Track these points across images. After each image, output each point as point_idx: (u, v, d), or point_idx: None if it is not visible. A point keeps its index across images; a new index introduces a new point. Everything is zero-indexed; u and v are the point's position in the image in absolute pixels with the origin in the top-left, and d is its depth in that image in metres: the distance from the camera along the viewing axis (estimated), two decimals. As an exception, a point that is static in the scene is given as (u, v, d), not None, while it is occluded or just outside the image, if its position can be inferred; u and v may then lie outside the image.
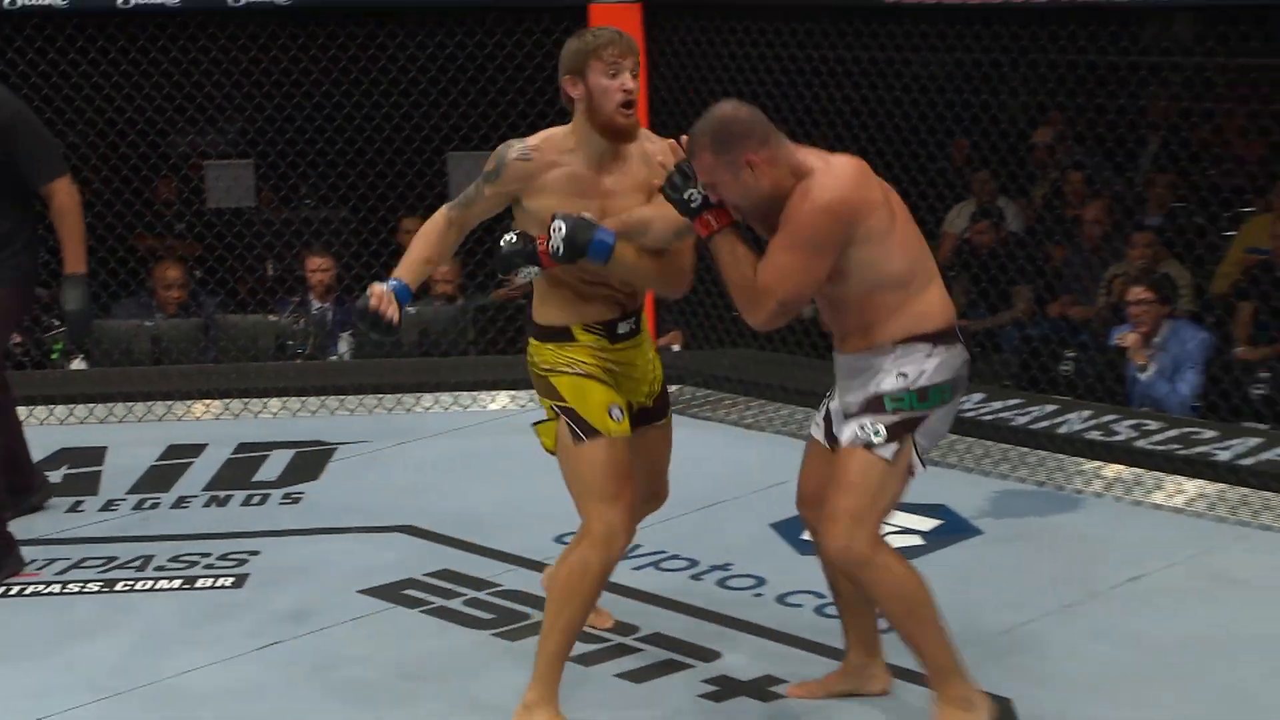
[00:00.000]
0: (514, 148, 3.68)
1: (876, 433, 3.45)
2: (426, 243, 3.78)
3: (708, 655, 4.12)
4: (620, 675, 4.02)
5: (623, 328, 3.74)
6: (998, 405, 5.98)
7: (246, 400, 6.58)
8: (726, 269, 3.44)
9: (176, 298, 7.69)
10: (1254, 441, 5.38)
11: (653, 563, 4.79)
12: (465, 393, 6.52)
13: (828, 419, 3.66)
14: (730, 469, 5.61)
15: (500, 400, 6.52)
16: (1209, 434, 5.49)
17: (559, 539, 4.90)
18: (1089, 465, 5.44)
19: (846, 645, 3.85)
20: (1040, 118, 8.39)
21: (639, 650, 4.17)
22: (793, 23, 6.11)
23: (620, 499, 3.67)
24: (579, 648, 4.15)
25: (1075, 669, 4.00)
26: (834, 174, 3.39)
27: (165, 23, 7.33)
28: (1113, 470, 5.37)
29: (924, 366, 3.46)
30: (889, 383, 3.45)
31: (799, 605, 4.44)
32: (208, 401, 6.60)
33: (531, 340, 3.80)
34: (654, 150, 3.69)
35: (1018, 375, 6.82)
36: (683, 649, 4.17)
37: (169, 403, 6.56)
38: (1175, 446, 5.39)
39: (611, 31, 3.65)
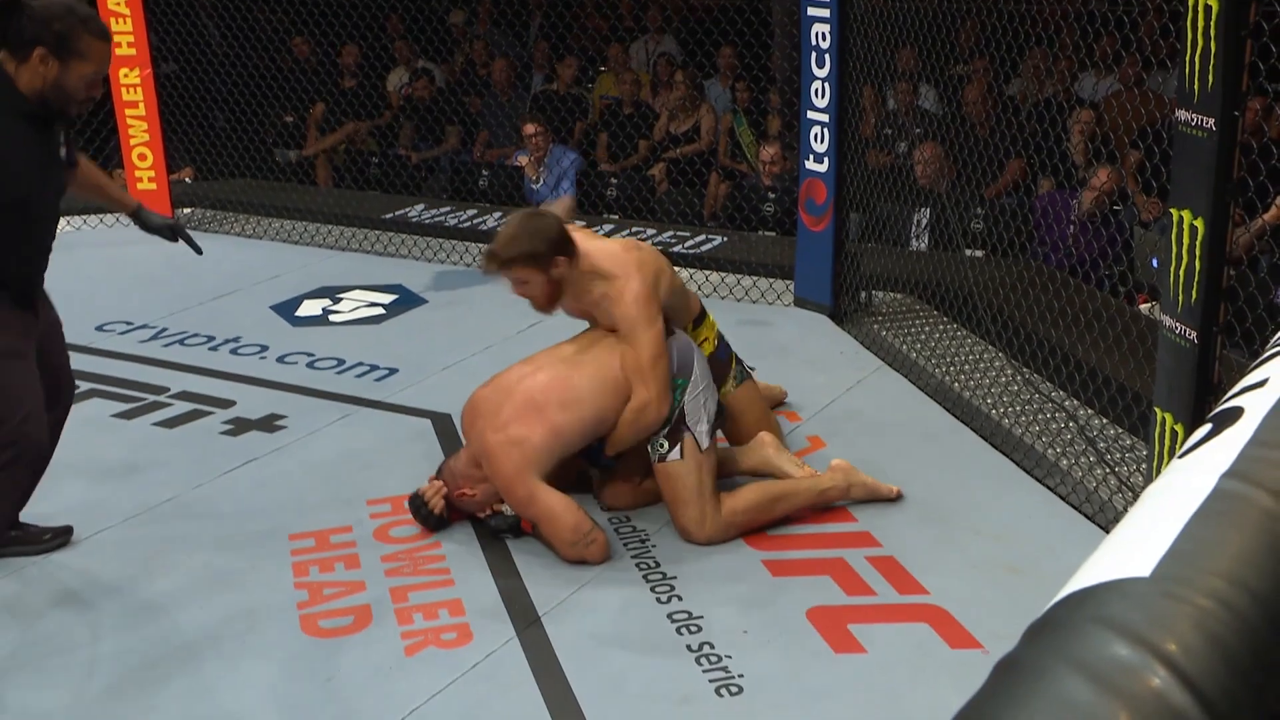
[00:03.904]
0: None
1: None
2: None
3: (225, 404, 4.14)
4: (156, 424, 3.99)
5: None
6: (434, 212, 6.16)
7: None
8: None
9: None
10: (609, 226, 5.78)
11: (178, 340, 4.71)
12: None
13: None
14: (237, 268, 5.55)
15: None
16: (579, 222, 5.83)
17: None
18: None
19: None
20: (454, 4, 8.44)
21: (170, 405, 4.15)
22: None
23: None
24: (127, 404, 4.10)
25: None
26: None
27: None
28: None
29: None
30: None
31: (294, 363, 4.48)
32: None
33: None
34: (607, 291, 3.20)
35: (449, 190, 7.01)
36: (205, 401, 4.17)
37: None
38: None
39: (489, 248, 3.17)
